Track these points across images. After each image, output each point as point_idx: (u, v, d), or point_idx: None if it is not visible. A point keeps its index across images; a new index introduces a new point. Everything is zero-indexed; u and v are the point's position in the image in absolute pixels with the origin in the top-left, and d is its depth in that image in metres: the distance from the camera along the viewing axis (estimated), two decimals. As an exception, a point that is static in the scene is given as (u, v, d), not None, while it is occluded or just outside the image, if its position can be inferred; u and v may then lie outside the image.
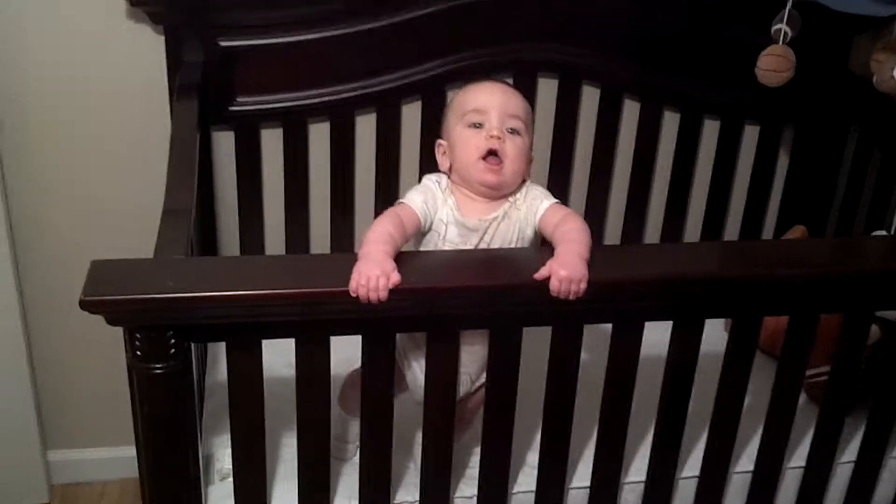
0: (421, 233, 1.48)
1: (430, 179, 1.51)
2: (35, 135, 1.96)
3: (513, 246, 1.49)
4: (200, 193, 1.89)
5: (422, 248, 1.50)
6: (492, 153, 1.44)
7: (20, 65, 1.89)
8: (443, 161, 1.52)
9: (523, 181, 1.51)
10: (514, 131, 1.47)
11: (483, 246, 1.47)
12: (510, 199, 1.49)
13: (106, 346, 2.17)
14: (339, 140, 2.05)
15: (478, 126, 1.47)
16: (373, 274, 1.25)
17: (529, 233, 1.49)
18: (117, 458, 2.32)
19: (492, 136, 1.45)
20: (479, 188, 1.47)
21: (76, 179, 2.02)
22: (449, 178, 1.51)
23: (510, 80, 2.07)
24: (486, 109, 1.47)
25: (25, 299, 2.09)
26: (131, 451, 2.31)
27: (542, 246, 1.48)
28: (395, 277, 1.26)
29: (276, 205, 2.10)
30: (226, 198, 2.08)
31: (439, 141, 1.54)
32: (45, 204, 2.03)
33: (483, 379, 1.51)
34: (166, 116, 1.93)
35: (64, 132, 1.97)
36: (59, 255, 2.07)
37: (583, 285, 1.31)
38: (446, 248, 1.47)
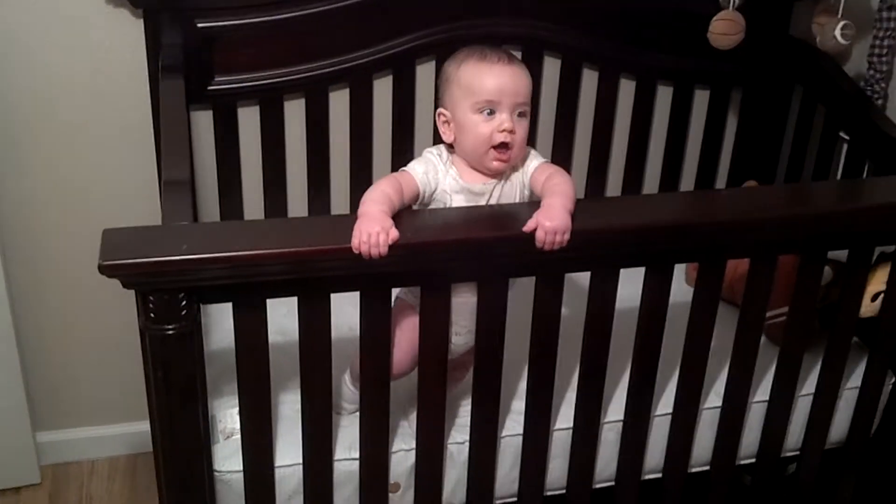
0: (423, 203, 1.53)
1: (430, 152, 1.55)
2: (16, 118, 2.00)
3: None
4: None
5: None
6: (503, 145, 1.49)
7: (-1, 51, 1.93)
8: (446, 132, 1.53)
9: None
10: (521, 115, 1.51)
11: None
12: (509, 169, 1.55)
13: (93, 326, 2.24)
14: (314, 116, 2.12)
15: (489, 113, 1.48)
16: (373, 230, 1.33)
17: (527, 192, 1.57)
18: (106, 436, 2.38)
19: (504, 130, 1.47)
20: (483, 169, 1.52)
21: (58, 162, 2.06)
22: (449, 147, 1.55)
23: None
24: (498, 100, 1.47)
25: (11, 281, 2.12)
26: (119, 429, 2.41)
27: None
28: (394, 233, 1.34)
29: (254, 181, 2.16)
30: (205, 175, 2.13)
31: (441, 110, 1.54)
32: (29, 187, 2.07)
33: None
34: (146, 99, 1.99)
35: (44, 116, 2.01)
36: (44, 237, 2.11)
37: (567, 236, 1.40)
38: None
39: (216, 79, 2.01)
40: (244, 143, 2.12)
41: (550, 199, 1.43)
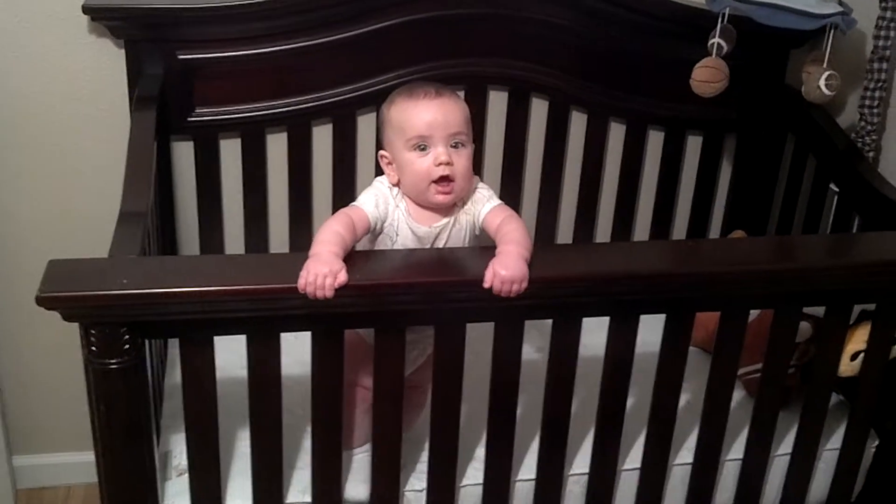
0: (374, 234, 1.52)
1: (381, 183, 1.55)
2: (-2, 145, 2.01)
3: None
4: (161, 201, 1.95)
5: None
6: (443, 178, 1.48)
7: (-19, 76, 1.95)
8: (390, 173, 1.53)
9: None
10: (458, 145, 1.50)
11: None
12: (459, 203, 1.54)
13: (69, 350, 2.20)
14: (296, 150, 2.11)
15: (422, 148, 1.48)
16: (321, 272, 1.31)
17: (478, 232, 1.55)
18: (81, 462, 2.34)
19: (440, 164, 1.46)
20: (429, 205, 1.51)
21: (39, 188, 2.07)
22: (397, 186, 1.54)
23: (462, 93, 2.15)
24: (429, 134, 1.47)
25: (-12, 306, 2.13)
26: (95, 456, 2.37)
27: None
28: (342, 277, 1.32)
29: (235, 212, 2.15)
30: (186, 206, 2.13)
31: (382, 153, 1.55)
32: (8, 213, 2.08)
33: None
34: (127, 127, 1.99)
35: (26, 143, 2.02)
36: (21, 262, 2.11)
37: (524, 285, 1.37)
38: None
39: (196, 110, 2.02)
40: (225, 174, 2.12)
41: (506, 246, 1.41)
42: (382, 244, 1.55)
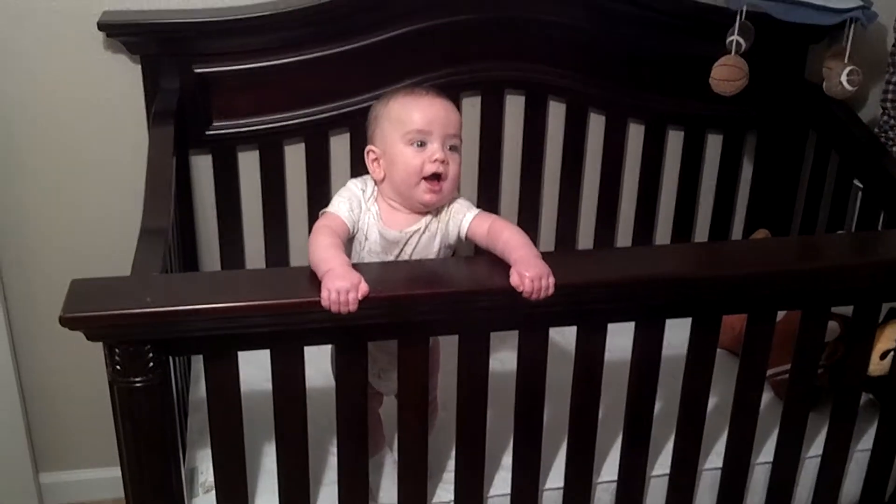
0: (350, 237, 1.52)
1: (354, 184, 1.54)
2: (18, 161, 2.02)
3: (433, 257, 1.53)
4: (181, 215, 1.95)
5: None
6: (435, 176, 1.48)
7: (0, 96, 1.95)
8: (375, 170, 1.52)
9: None
10: (453, 148, 1.50)
11: (404, 257, 1.52)
12: (432, 211, 1.53)
13: (94, 366, 2.20)
14: (314, 160, 2.11)
15: (420, 145, 1.48)
16: (342, 288, 1.30)
17: (452, 242, 1.55)
18: (108, 478, 2.33)
19: (436, 160, 1.47)
20: (414, 204, 1.50)
21: (60, 205, 2.07)
22: (377, 184, 1.53)
23: (478, 98, 2.14)
24: (429, 130, 1.48)
25: (13, 321, 2.14)
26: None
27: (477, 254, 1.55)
28: (364, 287, 1.31)
29: (255, 224, 2.15)
30: (206, 219, 2.13)
31: (370, 147, 1.53)
32: (29, 230, 2.08)
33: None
34: (146, 142, 1.99)
35: (46, 159, 2.02)
36: (47, 279, 2.11)
37: (552, 279, 1.36)
38: (368, 258, 1.52)
39: (214, 123, 2.01)
40: (244, 187, 2.11)
41: (516, 252, 1.40)
42: (353, 250, 1.54)
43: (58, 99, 1.98)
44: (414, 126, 1.48)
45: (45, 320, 2.15)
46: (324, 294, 1.30)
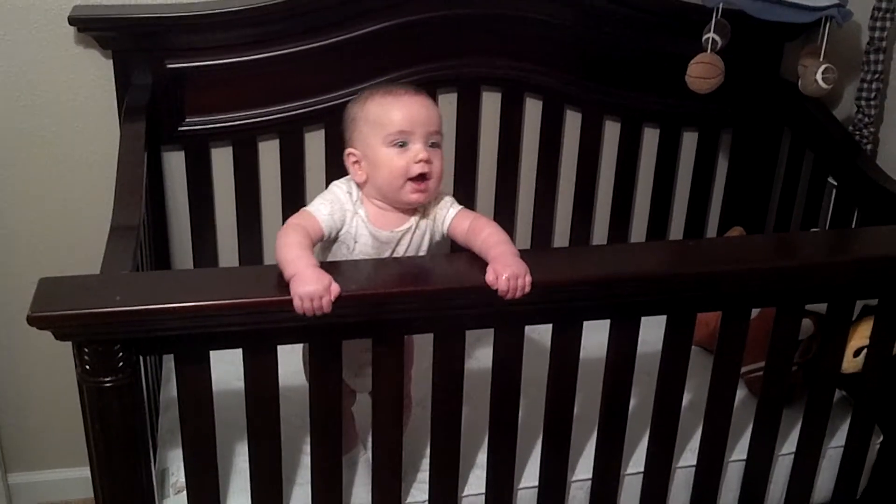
0: (328, 242, 1.49)
1: (339, 188, 1.50)
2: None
3: (423, 254, 1.52)
4: (153, 212, 1.93)
5: (329, 259, 1.51)
6: (421, 176, 1.45)
7: (-31, 91, 1.92)
8: (357, 172, 1.49)
9: None
10: (435, 145, 1.48)
11: (396, 256, 1.51)
12: (419, 209, 1.52)
13: (63, 366, 2.18)
14: (288, 156, 2.09)
15: (402, 145, 1.45)
16: (314, 294, 1.28)
17: (438, 238, 1.54)
18: (78, 478, 2.32)
19: (420, 161, 1.44)
20: (401, 204, 1.49)
21: (28, 201, 2.04)
22: (360, 187, 1.51)
23: (455, 94, 2.13)
24: (411, 130, 1.45)
25: (-19, 323, 2.11)
26: (92, 471, 2.35)
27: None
28: (336, 288, 1.29)
29: (228, 221, 2.13)
30: (178, 216, 2.11)
31: (350, 150, 1.50)
32: (-1, 226, 2.06)
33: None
34: (117, 138, 1.96)
35: (16, 155, 2.00)
36: (13, 276, 2.09)
37: (528, 278, 1.35)
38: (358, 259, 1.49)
39: (187, 119, 1.99)
40: (218, 184, 2.09)
41: (494, 249, 1.39)
42: (338, 252, 1.51)
43: (28, 94, 1.95)
44: (394, 128, 1.45)
45: (12, 318, 2.12)
46: (296, 302, 1.28)
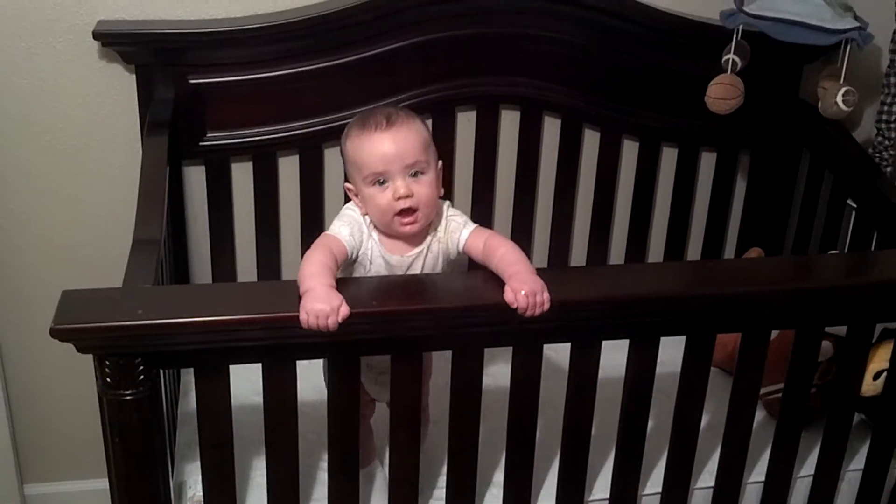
0: (350, 263, 1.50)
1: (354, 210, 1.52)
2: (11, 169, 2.00)
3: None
4: (173, 226, 1.94)
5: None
6: (404, 210, 1.46)
7: (-7, 105, 1.94)
8: (358, 204, 1.52)
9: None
10: (418, 173, 1.47)
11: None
12: (431, 232, 1.52)
13: (82, 378, 2.19)
14: (308, 172, 2.10)
15: (381, 182, 1.46)
16: (321, 312, 1.28)
17: (452, 257, 1.54)
18: (95, 490, 2.32)
19: (400, 198, 1.44)
20: (398, 235, 1.50)
21: (52, 214, 2.06)
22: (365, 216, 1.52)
23: (473, 112, 2.14)
24: (385, 170, 1.44)
25: (1, 330, 2.12)
26: (107, 483, 2.36)
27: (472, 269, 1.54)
28: (345, 311, 1.29)
29: (247, 236, 2.14)
30: (198, 230, 2.12)
31: (346, 185, 1.54)
32: (21, 240, 2.07)
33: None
34: (139, 152, 1.98)
35: (39, 168, 2.01)
36: (37, 288, 2.10)
37: (546, 295, 1.35)
38: None
39: (208, 134, 2.01)
40: (237, 199, 2.11)
41: (511, 267, 1.39)
42: (356, 273, 1.52)
43: (52, 108, 1.97)
44: (369, 169, 1.46)
45: (34, 330, 2.13)
46: (302, 316, 1.29)
